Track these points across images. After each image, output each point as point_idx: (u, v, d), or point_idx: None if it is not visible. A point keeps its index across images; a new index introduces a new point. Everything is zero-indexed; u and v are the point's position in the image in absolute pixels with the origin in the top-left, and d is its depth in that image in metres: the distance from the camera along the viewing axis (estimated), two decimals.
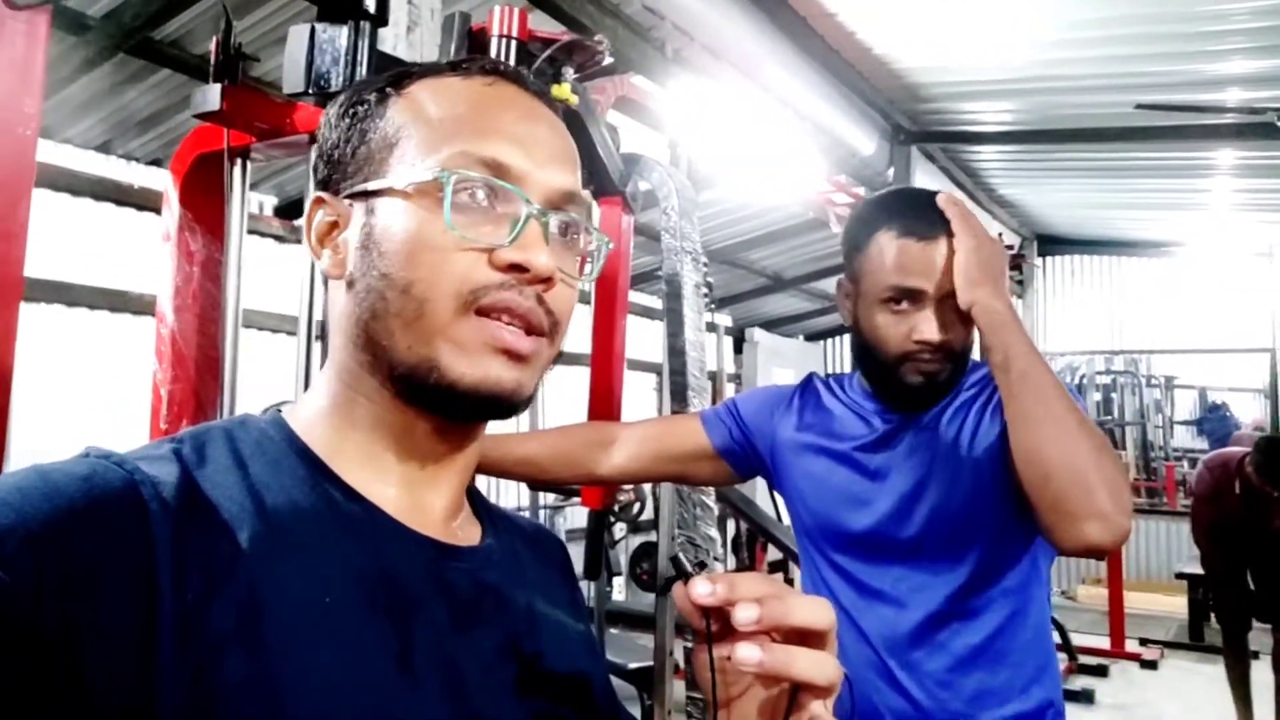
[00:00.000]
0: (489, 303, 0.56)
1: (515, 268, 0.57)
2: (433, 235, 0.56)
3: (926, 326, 1.20)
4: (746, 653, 0.47)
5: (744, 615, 0.48)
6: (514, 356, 0.57)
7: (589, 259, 0.64)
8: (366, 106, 0.61)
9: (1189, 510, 8.13)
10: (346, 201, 0.60)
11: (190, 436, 0.56)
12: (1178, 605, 6.83)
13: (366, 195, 0.59)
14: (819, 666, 0.49)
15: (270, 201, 4.86)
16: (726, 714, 0.54)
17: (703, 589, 0.48)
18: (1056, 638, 1.34)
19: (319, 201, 0.62)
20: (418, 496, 0.60)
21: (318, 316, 1.67)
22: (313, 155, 0.65)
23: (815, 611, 0.49)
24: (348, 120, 0.62)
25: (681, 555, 0.54)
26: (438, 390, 0.57)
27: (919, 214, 1.23)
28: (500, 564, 0.63)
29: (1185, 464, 9.73)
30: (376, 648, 0.52)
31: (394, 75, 0.63)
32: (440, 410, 0.59)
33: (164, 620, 0.45)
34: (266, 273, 4.23)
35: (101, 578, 0.45)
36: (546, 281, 0.58)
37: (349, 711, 0.49)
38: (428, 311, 0.56)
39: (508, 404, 0.58)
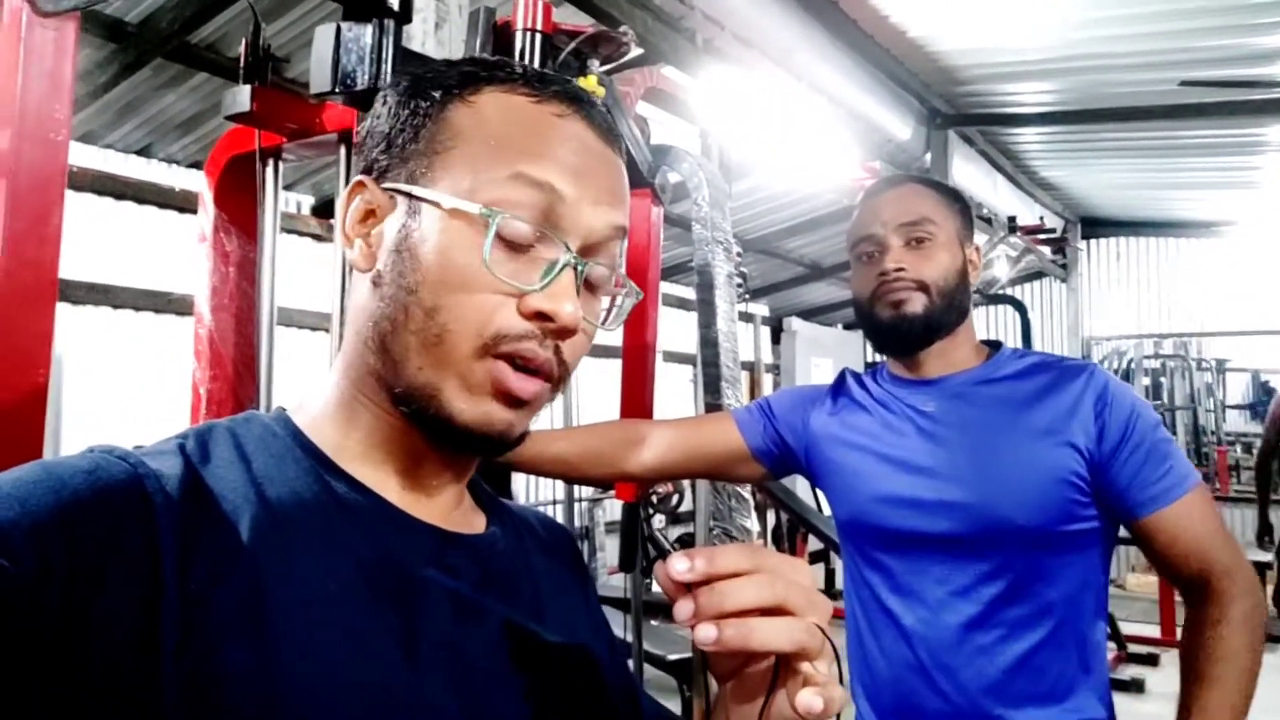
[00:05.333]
0: (509, 351, 0.56)
1: (541, 316, 0.56)
2: (468, 267, 0.55)
3: (884, 260, 1.29)
4: (704, 633, 0.47)
5: (681, 613, 0.48)
6: (515, 402, 0.57)
7: (615, 302, 0.64)
8: (430, 103, 0.59)
9: (1242, 495, 7.97)
10: (388, 194, 0.59)
11: (194, 433, 0.56)
12: None
13: (411, 195, 0.57)
14: (781, 634, 0.48)
15: (308, 201, 4.93)
16: (725, 688, 0.54)
17: (681, 565, 0.48)
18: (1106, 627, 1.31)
19: (359, 185, 0.60)
20: (419, 487, 0.61)
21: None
22: (363, 133, 0.62)
23: (757, 591, 0.48)
24: (407, 111, 0.59)
25: (659, 535, 0.53)
26: (434, 419, 0.57)
27: (876, 185, 1.39)
28: (504, 552, 0.64)
29: (1238, 449, 9.48)
30: (380, 634, 0.52)
31: (465, 75, 0.60)
32: (434, 437, 0.59)
33: (167, 610, 0.46)
34: (305, 272, 4.29)
35: (106, 568, 0.45)
36: (569, 332, 0.57)
37: (353, 698, 0.50)
38: (447, 342, 0.56)
39: (497, 444, 0.58)
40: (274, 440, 0.58)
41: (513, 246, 0.56)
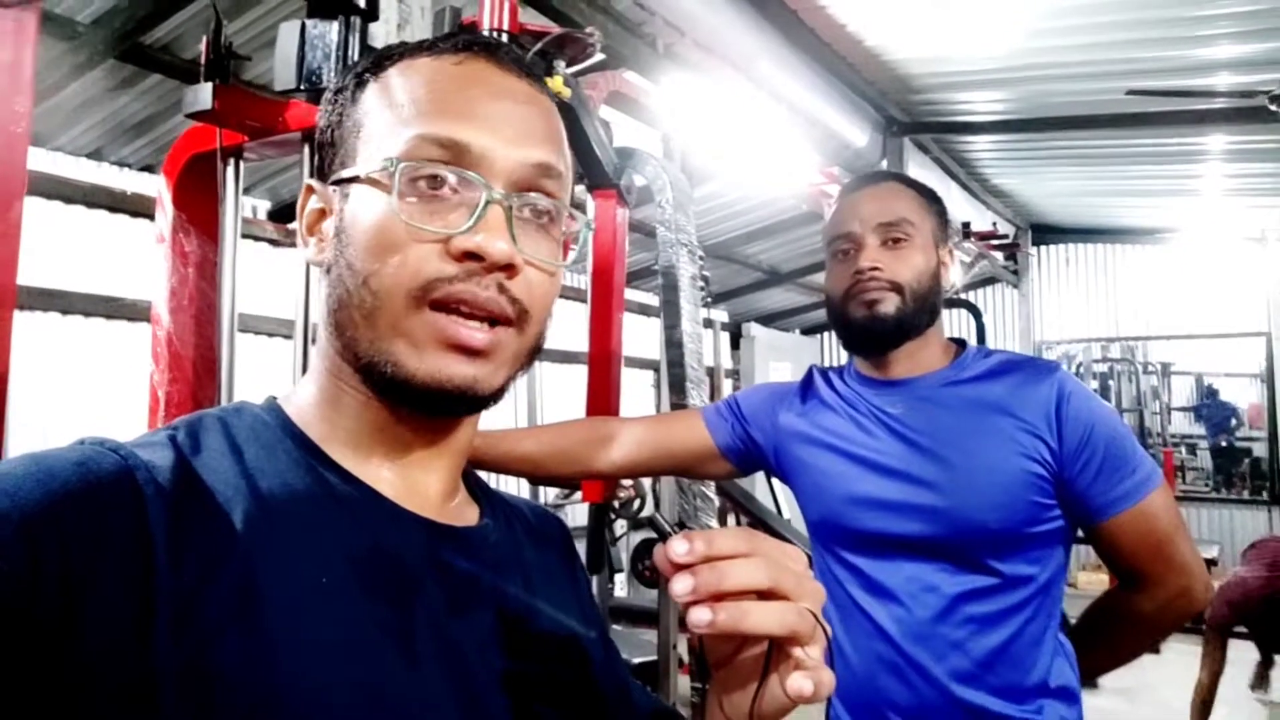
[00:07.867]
0: (442, 296, 0.55)
1: (471, 256, 0.55)
2: (389, 226, 0.56)
3: (860, 258, 1.30)
4: (698, 616, 0.47)
5: (679, 588, 0.47)
6: (469, 351, 0.56)
7: (573, 241, 0.63)
8: (347, 92, 0.61)
9: (1187, 495, 8.21)
10: (331, 189, 0.60)
11: (185, 424, 0.56)
12: None
13: (342, 182, 0.59)
14: (773, 617, 0.48)
15: (264, 205, 4.86)
16: (721, 673, 0.54)
17: (680, 548, 0.47)
18: None
19: (309, 189, 0.62)
20: (412, 479, 0.60)
21: (314, 319, 1.67)
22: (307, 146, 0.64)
23: (753, 572, 0.48)
24: (330, 106, 0.62)
25: (659, 517, 0.53)
26: (395, 385, 0.56)
27: (856, 181, 1.39)
28: (497, 544, 0.63)
29: (1183, 450, 9.76)
30: (375, 627, 0.52)
31: (376, 58, 0.62)
32: (404, 404, 0.58)
33: (161, 602, 0.45)
34: (261, 277, 4.24)
35: (98, 562, 0.44)
36: (508, 268, 0.56)
37: (349, 692, 0.49)
38: (382, 305, 0.55)
39: (467, 399, 0.57)
40: (265, 430, 0.57)
41: (433, 198, 0.56)
